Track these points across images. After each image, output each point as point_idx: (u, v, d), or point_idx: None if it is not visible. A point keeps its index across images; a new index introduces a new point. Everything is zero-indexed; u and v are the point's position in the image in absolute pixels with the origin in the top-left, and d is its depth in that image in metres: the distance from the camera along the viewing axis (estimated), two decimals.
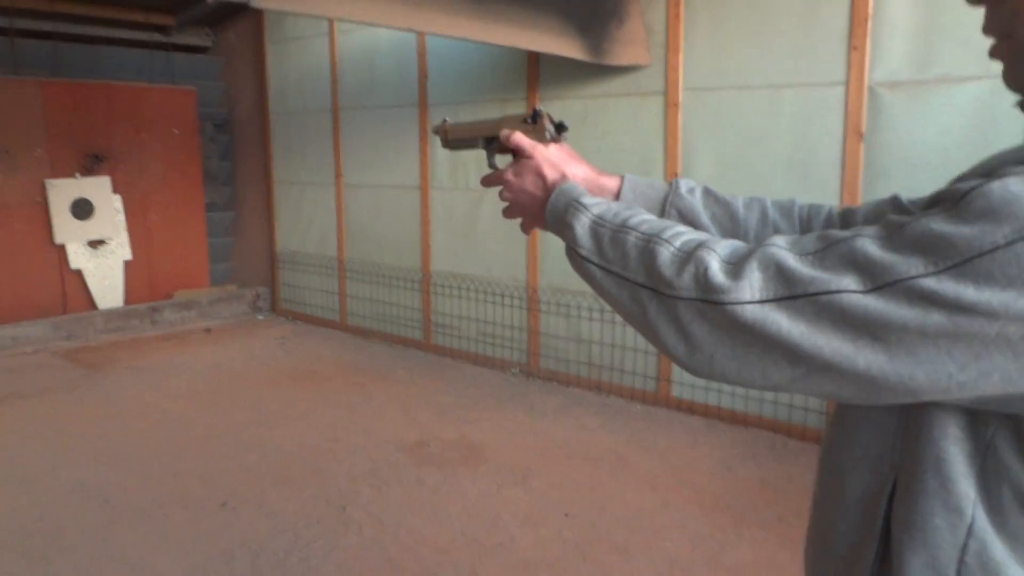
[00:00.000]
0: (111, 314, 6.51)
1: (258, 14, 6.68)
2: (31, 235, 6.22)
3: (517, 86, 5.07)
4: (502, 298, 5.36)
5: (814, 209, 1.09)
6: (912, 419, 0.74)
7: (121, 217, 6.66)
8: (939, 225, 0.63)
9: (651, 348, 4.62)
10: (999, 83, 0.80)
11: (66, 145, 6.33)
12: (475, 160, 5.24)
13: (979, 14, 0.78)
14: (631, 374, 4.75)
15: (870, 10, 3.69)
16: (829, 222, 1.06)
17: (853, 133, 3.81)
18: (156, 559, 2.96)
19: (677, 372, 4.55)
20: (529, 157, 1.09)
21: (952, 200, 0.64)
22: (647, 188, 1.13)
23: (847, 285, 0.66)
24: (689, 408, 4.49)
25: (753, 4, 4.04)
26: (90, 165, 6.48)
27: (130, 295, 6.75)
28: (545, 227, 1.04)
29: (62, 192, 6.31)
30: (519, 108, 5.03)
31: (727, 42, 4.15)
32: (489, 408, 4.62)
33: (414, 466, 3.79)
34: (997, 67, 0.78)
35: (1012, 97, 0.79)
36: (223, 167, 7.46)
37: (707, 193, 1.12)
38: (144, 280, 6.85)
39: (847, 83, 3.81)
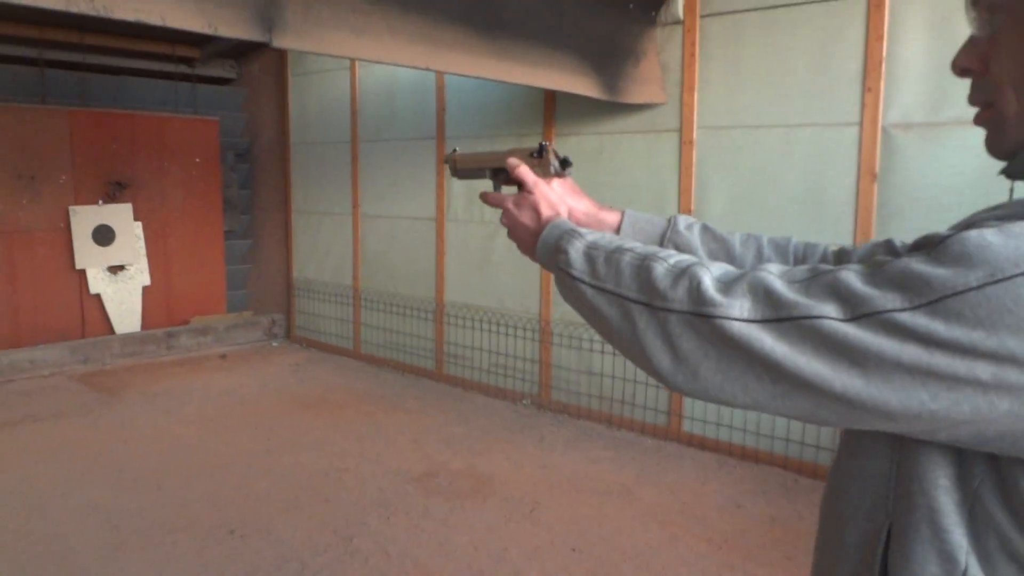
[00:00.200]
0: (128, 339, 6.58)
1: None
2: (53, 260, 6.32)
3: (534, 121, 5.14)
4: (515, 330, 5.38)
5: (810, 248, 1.12)
6: (903, 469, 0.76)
7: (141, 243, 6.76)
8: (918, 265, 0.66)
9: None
10: None
11: (90, 173, 6.46)
12: None
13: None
14: (642, 408, 4.74)
15: (884, 52, 3.73)
16: (824, 261, 1.09)
17: (867, 173, 3.83)
18: None
19: (688, 407, 4.54)
20: (529, 192, 1.13)
21: (932, 244, 0.68)
22: (646, 224, 1.16)
23: (828, 312, 0.69)
24: (700, 443, 4.48)
25: (768, 45, 4.09)
26: (113, 192, 6.60)
27: (147, 320, 6.82)
28: (535, 259, 1.08)
29: (85, 218, 6.42)
30: (535, 143, 5.07)
31: (742, 81, 4.20)
32: (499, 440, 4.62)
33: (422, 497, 3.79)
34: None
35: None
36: (243, 196, 7.57)
37: (705, 230, 1.15)
38: (162, 305, 6.93)
39: (861, 124, 3.84)
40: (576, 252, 0.92)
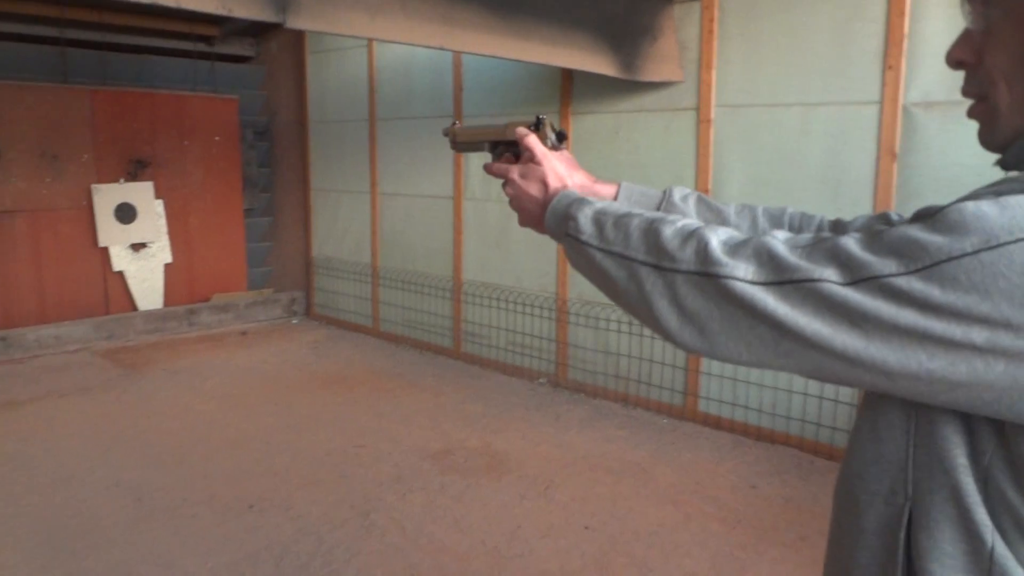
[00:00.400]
0: (150, 315, 6.67)
1: None
2: (76, 238, 6.40)
3: (551, 99, 5.12)
4: (532, 308, 5.40)
5: (806, 218, 1.14)
6: (920, 451, 0.77)
7: (163, 221, 6.83)
8: (915, 232, 0.69)
9: (679, 362, 4.63)
10: None
11: (112, 151, 6.52)
12: None
13: None
14: (658, 387, 4.75)
15: (905, 30, 3.67)
16: (820, 231, 1.11)
17: (886, 152, 3.78)
18: (184, 558, 3.04)
19: (704, 387, 4.54)
20: (538, 164, 1.15)
21: (929, 214, 0.70)
22: (641, 196, 1.19)
23: (828, 276, 0.72)
24: (716, 423, 4.48)
25: (787, 22, 4.04)
26: (134, 171, 6.66)
27: (169, 297, 6.91)
28: (540, 227, 1.10)
29: (107, 196, 6.49)
30: (553, 120, 5.06)
31: (760, 59, 4.15)
32: (515, 418, 4.65)
33: (438, 474, 3.84)
34: None
35: None
36: (262, 174, 7.61)
37: (700, 200, 1.17)
38: (183, 283, 7.01)
39: (881, 102, 3.79)
40: (585, 218, 0.95)
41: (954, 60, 0.84)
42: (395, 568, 2.98)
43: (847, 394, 3.94)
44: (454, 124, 1.37)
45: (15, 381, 5.35)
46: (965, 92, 0.84)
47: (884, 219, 1.07)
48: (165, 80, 6.98)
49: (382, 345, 6.40)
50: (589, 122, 4.93)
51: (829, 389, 3.99)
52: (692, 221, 0.87)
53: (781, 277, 0.75)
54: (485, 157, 1.30)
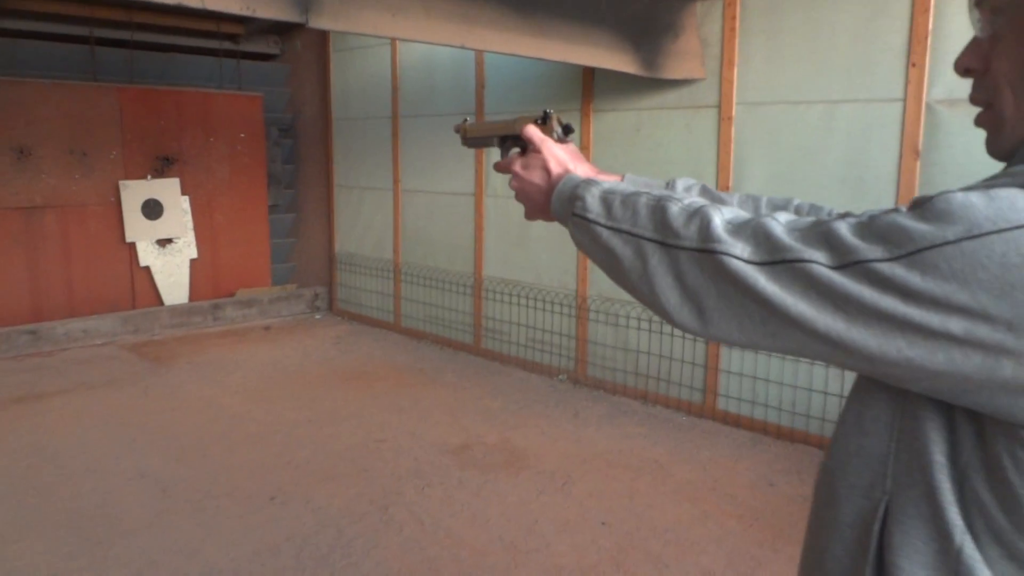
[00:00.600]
0: (176, 310, 6.77)
1: None
2: (104, 233, 6.51)
3: (572, 96, 5.12)
4: (552, 305, 5.41)
5: (814, 209, 1.16)
6: (902, 446, 0.78)
7: (188, 217, 6.92)
8: (903, 220, 0.70)
9: (699, 359, 4.62)
10: None
11: (139, 148, 6.62)
12: None
13: None
14: (678, 385, 4.75)
15: (930, 26, 3.64)
16: None
17: (910, 150, 3.76)
18: (207, 548, 3.10)
19: (724, 385, 4.54)
20: (537, 151, 1.16)
21: (920, 203, 0.71)
22: (645, 187, 1.20)
23: (817, 258, 0.73)
24: (735, 421, 4.48)
25: (810, 19, 4.02)
26: (161, 167, 6.76)
27: (194, 292, 7.01)
28: (547, 214, 1.12)
29: (134, 193, 6.59)
30: (574, 118, 5.08)
31: (783, 56, 4.14)
32: (534, 414, 4.68)
33: (457, 469, 3.87)
34: None
35: None
36: (286, 171, 7.69)
37: (704, 190, 1.19)
38: (208, 278, 7.10)
39: (904, 100, 3.77)
40: (592, 197, 0.96)
41: (962, 67, 0.84)
42: (413, 561, 3.02)
43: None
44: (465, 121, 1.40)
45: (44, 373, 5.46)
46: (973, 99, 0.85)
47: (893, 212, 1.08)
48: (191, 78, 7.07)
49: (403, 341, 6.45)
50: (611, 119, 4.94)
51: (848, 388, 3.97)
52: (699, 200, 0.88)
53: (774, 257, 0.76)
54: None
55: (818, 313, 0.73)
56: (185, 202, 6.89)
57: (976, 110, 0.86)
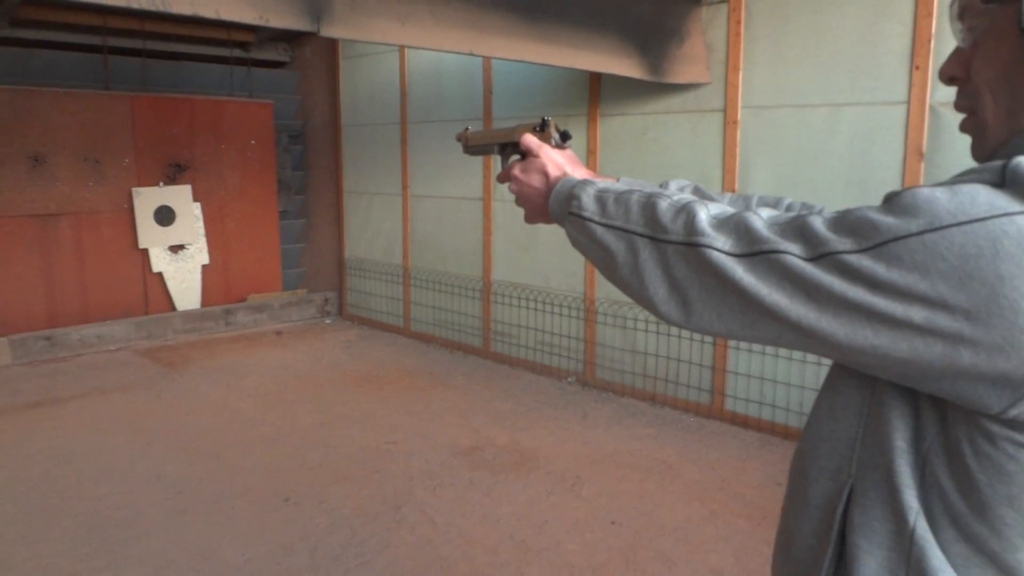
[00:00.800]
0: (188, 315, 6.85)
1: None
2: (118, 240, 6.59)
3: (579, 101, 5.18)
4: (560, 308, 5.46)
5: (805, 207, 1.19)
6: (868, 431, 0.83)
7: (200, 224, 7.00)
8: (871, 214, 0.73)
9: (706, 361, 4.66)
10: None
11: (151, 155, 6.70)
12: None
13: None
14: (686, 386, 4.79)
15: (933, 29, 3.68)
16: None
17: (913, 152, 3.79)
18: (223, 548, 3.15)
19: (732, 386, 4.57)
20: (536, 156, 1.20)
21: (889, 198, 0.75)
22: (640, 187, 1.24)
23: (792, 250, 0.77)
24: (743, 422, 4.51)
25: (814, 23, 4.06)
26: (173, 174, 6.84)
27: (207, 298, 7.08)
28: (546, 216, 1.16)
29: (147, 199, 6.68)
30: (581, 122, 5.13)
31: (787, 60, 4.18)
32: (544, 416, 4.72)
33: (468, 470, 3.92)
34: None
35: None
36: (296, 177, 7.76)
37: (697, 190, 1.23)
38: (220, 283, 7.18)
39: (908, 102, 3.80)
40: (588, 197, 1.00)
41: (946, 76, 0.89)
42: (426, 560, 3.07)
43: None
44: (466, 129, 1.45)
45: (60, 379, 5.53)
46: (957, 106, 0.89)
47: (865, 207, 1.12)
48: (203, 86, 7.15)
49: (413, 344, 6.50)
50: (617, 124, 4.99)
51: None
52: (687, 196, 0.93)
53: (751, 249, 0.79)
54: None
55: (791, 303, 0.76)
56: (197, 208, 6.97)
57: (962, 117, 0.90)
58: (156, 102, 6.70)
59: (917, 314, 0.70)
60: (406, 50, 6.40)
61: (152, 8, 2.29)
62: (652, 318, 4.85)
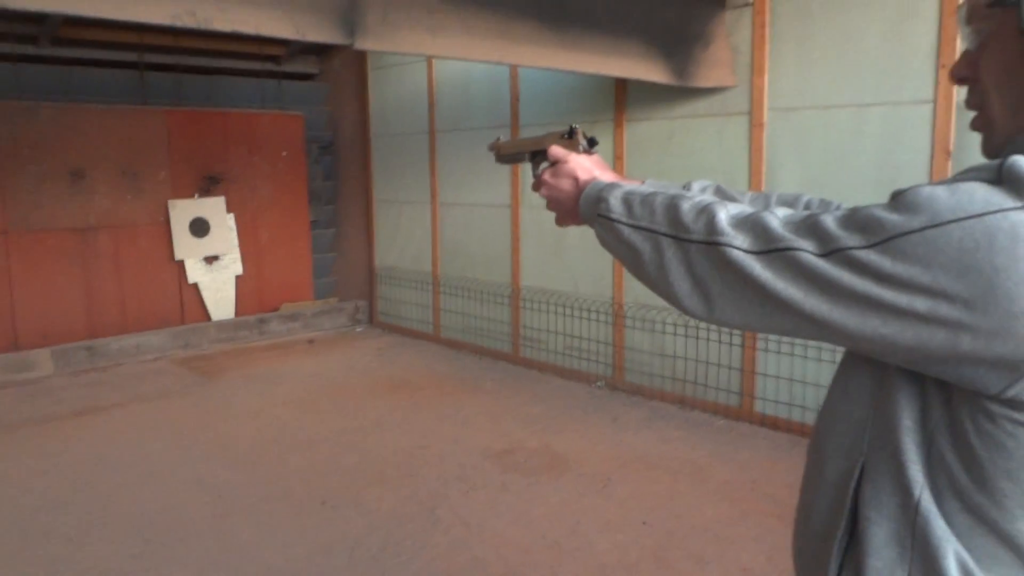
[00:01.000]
0: (223, 325, 6.99)
1: None
2: (155, 252, 6.75)
3: (605, 107, 5.23)
4: (589, 313, 5.50)
5: (823, 205, 1.26)
6: (879, 412, 0.88)
7: (234, 235, 7.14)
8: (878, 212, 0.79)
9: (735, 363, 4.68)
10: None
11: (186, 168, 6.86)
12: None
13: None
14: (715, 389, 4.81)
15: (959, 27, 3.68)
16: None
17: (941, 151, 3.80)
18: (263, 549, 3.24)
19: (761, 388, 4.58)
20: (565, 162, 1.27)
21: (895, 196, 0.80)
22: (664, 189, 1.31)
23: (805, 247, 0.82)
24: (773, 424, 4.52)
25: (839, 24, 4.08)
26: (207, 186, 6.99)
27: (241, 307, 7.22)
28: (577, 219, 1.22)
29: (182, 212, 6.83)
30: (607, 128, 5.18)
31: (813, 62, 4.20)
32: (574, 420, 4.76)
33: (500, 473, 3.97)
34: None
35: None
36: (327, 187, 7.89)
37: (719, 190, 1.29)
38: (253, 293, 7.32)
39: (935, 101, 3.81)
40: (615, 199, 1.07)
41: (957, 76, 0.95)
42: (461, 559, 3.12)
43: None
44: (498, 139, 1.54)
45: (101, 388, 5.67)
46: (968, 104, 0.95)
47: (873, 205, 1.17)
48: (235, 99, 7.31)
49: (443, 351, 6.58)
50: (643, 129, 5.03)
51: None
52: (708, 198, 0.99)
53: (768, 247, 0.85)
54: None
55: (805, 296, 0.82)
56: (231, 220, 7.12)
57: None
58: (190, 116, 6.86)
59: (921, 304, 0.75)
60: (433, 60, 6.50)
61: (195, 26, 2.38)
62: (680, 321, 4.88)
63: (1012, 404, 0.77)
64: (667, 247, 0.95)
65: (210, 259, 7.03)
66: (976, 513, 0.82)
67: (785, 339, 4.43)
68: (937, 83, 3.77)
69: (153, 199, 6.71)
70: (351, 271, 7.89)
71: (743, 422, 4.63)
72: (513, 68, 5.78)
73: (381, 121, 7.22)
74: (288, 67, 7.62)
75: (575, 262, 5.56)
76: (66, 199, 6.27)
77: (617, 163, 5.09)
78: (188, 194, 6.89)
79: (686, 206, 0.96)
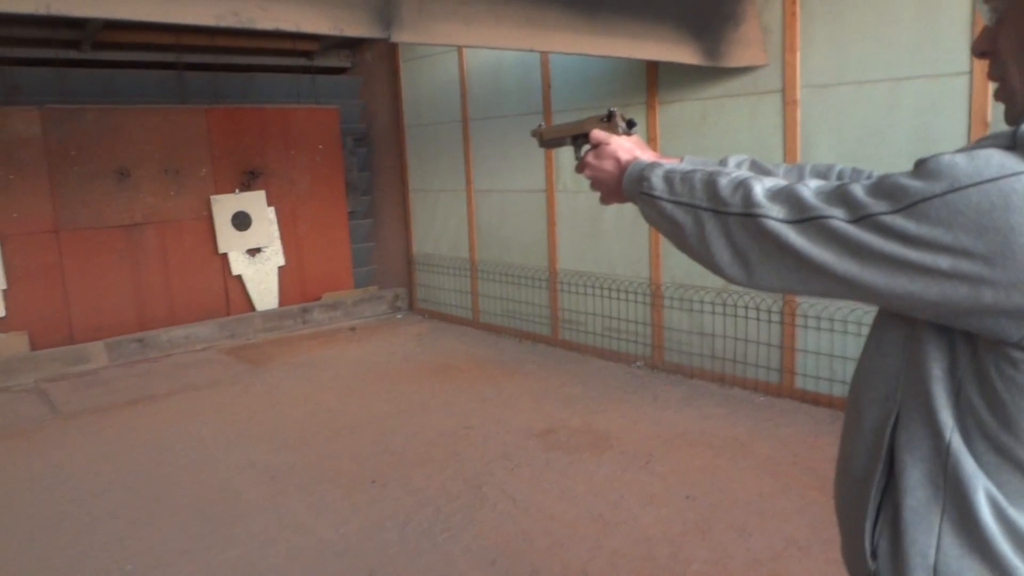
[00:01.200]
0: (268, 315, 7.16)
1: None
2: (199, 246, 6.94)
3: (637, 90, 5.26)
4: (626, 294, 5.55)
5: (856, 173, 1.33)
6: (911, 365, 0.96)
7: (275, 227, 7.30)
8: (902, 179, 0.86)
9: (774, 340, 4.71)
10: None
11: (226, 164, 7.03)
12: None
13: None
14: (754, 366, 4.84)
15: None
16: None
17: (978, 122, 3.78)
18: (318, 526, 3.36)
19: (801, 364, 4.61)
20: (607, 144, 1.34)
21: (918, 164, 0.87)
22: (701, 165, 1.38)
23: (836, 214, 0.89)
24: (813, 399, 4.55)
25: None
26: (247, 181, 7.15)
27: (283, 297, 7.39)
28: (620, 196, 1.30)
29: (224, 206, 7.00)
30: (640, 111, 5.21)
31: (845, 37, 4.19)
32: (614, 399, 4.83)
33: (543, 451, 4.06)
34: None
35: None
36: (363, 178, 8.02)
37: (754, 164, 1.37)
38: (295, 284, 7.48)
39: (971, 72, 3.79)
40: (657, 177, 1.15)
41: (978, 50, 1.01)
42: (508, 533, 3.22)
43: None
44: (540, 125, 1.62)
45: (153, 378, 5.87)
46: (990, 76, 1.00)
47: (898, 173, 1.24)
48: (271, 95, 7.46)
49: (483, 335, 6.68)
50: (676, 110, 5.06)
51: None
52: (744, 172, 1.06)
53: (802, 216, 0.92)
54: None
55: (838, 260, 0.89)
56: (271, 213, 7.27)
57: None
58: (228, 113, 7.01)
59: (944, 262, 0.82)
60: (464, 49, 6.57)
61: (239, 25, 2.48)
62: (719, 299, 4.91)
63: None
64: (707, 220, 1.03)
65: (253, 251, 7.20)
66: (1003, 452, 0.89)
67: (824, 316, 4.45)
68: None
69: (195, 195, 6.88)
70: (389, 259, 8.01)
71: (784, 398, 4.66)
72: (544, 55, 5.83)
73: (414, 112, 7.31)
74: (321, 62, 7.75)
75: (611, 244, 5.61)
76: (113, 197, 6.47)
77: (651, 145, 5.11)
78: (229, 189, 7.05)
79: (723, 181, 1.03)
